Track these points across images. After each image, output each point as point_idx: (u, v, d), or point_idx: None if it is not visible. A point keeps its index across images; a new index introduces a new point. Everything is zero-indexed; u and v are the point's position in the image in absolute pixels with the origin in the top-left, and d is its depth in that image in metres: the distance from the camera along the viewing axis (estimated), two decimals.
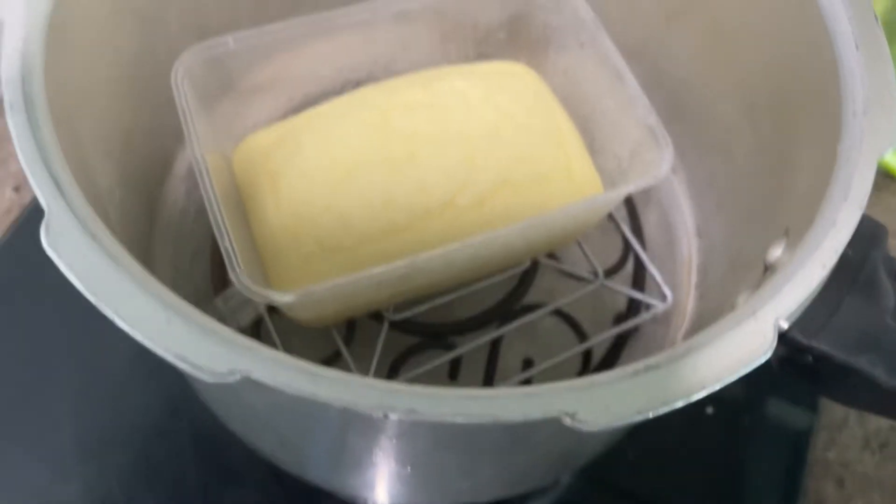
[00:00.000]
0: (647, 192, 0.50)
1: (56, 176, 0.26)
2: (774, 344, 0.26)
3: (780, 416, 0.47)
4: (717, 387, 0.25)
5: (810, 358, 0.28)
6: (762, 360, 0.25)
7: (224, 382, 0.23)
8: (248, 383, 0.23)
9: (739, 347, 0.26)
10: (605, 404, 0.24)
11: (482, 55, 0.47)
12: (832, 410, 0.48)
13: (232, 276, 0.32)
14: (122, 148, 0.38)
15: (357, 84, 0.45)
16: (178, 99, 0.36)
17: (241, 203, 0.41)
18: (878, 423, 0.48)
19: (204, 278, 0.45)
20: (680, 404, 0.24)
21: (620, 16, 0.46)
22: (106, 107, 0.36)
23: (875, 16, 0.34)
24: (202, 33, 0.39)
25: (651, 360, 0.25)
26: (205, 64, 0.38)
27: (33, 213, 0.49)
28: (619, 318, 0.46)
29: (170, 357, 0.23)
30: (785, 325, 0.26)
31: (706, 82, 0.44)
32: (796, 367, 0.28)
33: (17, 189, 0.51)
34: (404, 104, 0.41)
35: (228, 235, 0.33)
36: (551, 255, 0.47)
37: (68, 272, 0.24)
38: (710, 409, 0.46)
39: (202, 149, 0.35)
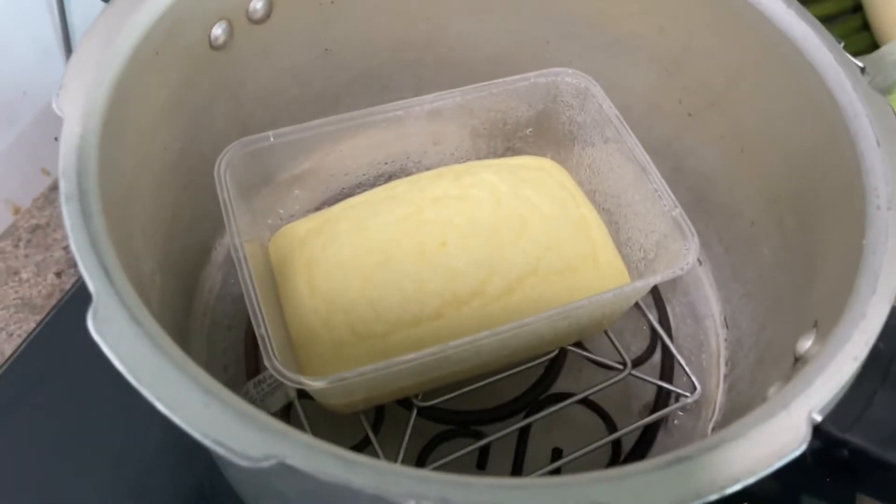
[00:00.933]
0: (673, 283, 0.51)
1: (105, 264, 0.28)
2: (809, 437, 0.25)
3: None
4: (750, 480, 0.24)
5: (846, 452, 0.27)
6: (796, 453, 0.25)
7: (259, 467, 0.23)
8: (283, 468, 0.23)
9: (773, 440, 0.25)
10: (636, 496, 0.24)
11: (510, 150, 0.49)
12: None
13: (267, 362, 0.32)
14: (166, 235, 0.40)
15: (390, 177, 0.47)
16: (220, 191, 0.38)
17: (275, 289, 0.42)
18: None
19: (236, 362, 0.46)
20: (713, 497, 0.24)
21: (644, 113, 0.47)
22: (152, 197, 0.38)
23: (895, 113, 0.35)
24: (245, 129, 0.41)
25: (682, 452, 0.25)
26: (246, 158, 0.40)
27: (74, 298, 0.50)
28: (648, 408, 0.46)
29: (207, 442, 0.24)
30: (818, 418, 0.26)
31: (729, 177, 0.46)
32: (832, 461, 0.28)
33: (58, 274, 0.53)
34: (436, 197, 0.43)
35: (264, 322, 0.34)
36: (579, 344, 0.47)
37: (113, 357, 0.25)
38: None
39: (241, 237, 0.36)
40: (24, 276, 0.53)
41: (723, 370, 0.47)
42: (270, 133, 0.40)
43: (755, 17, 0.39)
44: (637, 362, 0.47)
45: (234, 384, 0.43)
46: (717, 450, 0.25)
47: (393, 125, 0.43)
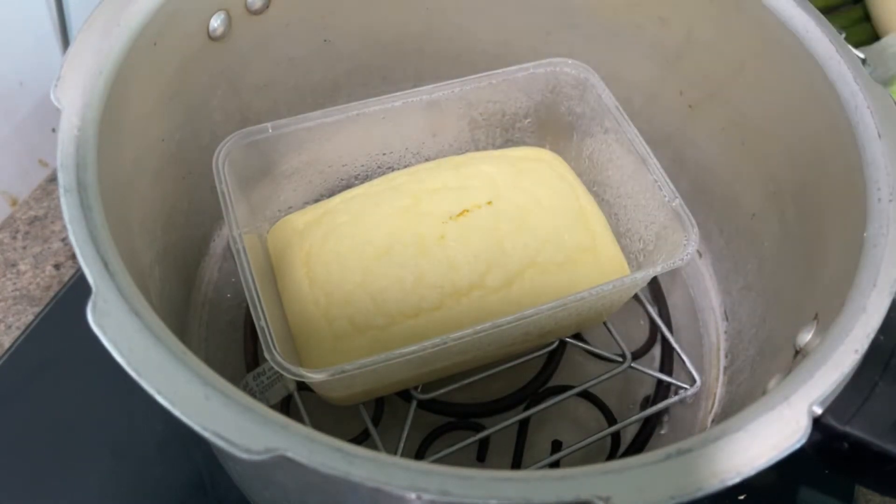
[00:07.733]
0: (673, 275, 0.51)
1: (104, 256, 0.27)
2: (809, 430, 0.25)
3: None
4: (751, 473, 0.24)
5: (846, 444, 0.27)
6: (797, 446, 0.25)
7: (259, 460, 0.23)
8: (283, 461, 0.23)
9: (773, 433, 0.25)
10: (638, 488, 0.24)
11: (509, 141, 0.48)
12: (870, 501, 0.47)
13: (267, 355, 0.32)
14: (164, 227, 0.39)
15: (389, 168, 0.47)
16: (218, 182, 0.38)
17: (274, 281, 0.41)
18: None
19: (236, 354, 0.46)
20: (714, 490, 0.24)
21: (644, 104, 0.47)
22: (151, 189, 0.38)
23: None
24: (243, 121, 0.41)
25: (683, 444, 0.25)
26: (244, 149, 0.39)
27: (72, 290, 0.50)
28: (648, 401, 0.46)
29: (207, 434, 0.24)
30: (819, 411, 0.26)
31: (730, 169, 0.45)
32: (832, 453, 0.28)
33: (57, 266, 0.53)
34: (434, 188, 0.43)
35: (264, 315, 0.33)
36: (578, 337, 0.47)
37: (112, 349, 0.25)
38: (742, 497, 0.45)
39: (240, 229, 0.36)
40: (22, 268, 0.53)
41: (723, 363, 0.47)
42: (269, 124, 0.40)
43: (756, 8, 0.39)
44: (637, 355, 0.47)
45: (233, 377, 0.43)
46: (717, 442, 0.25)
47: (392, 116, 0.43)
